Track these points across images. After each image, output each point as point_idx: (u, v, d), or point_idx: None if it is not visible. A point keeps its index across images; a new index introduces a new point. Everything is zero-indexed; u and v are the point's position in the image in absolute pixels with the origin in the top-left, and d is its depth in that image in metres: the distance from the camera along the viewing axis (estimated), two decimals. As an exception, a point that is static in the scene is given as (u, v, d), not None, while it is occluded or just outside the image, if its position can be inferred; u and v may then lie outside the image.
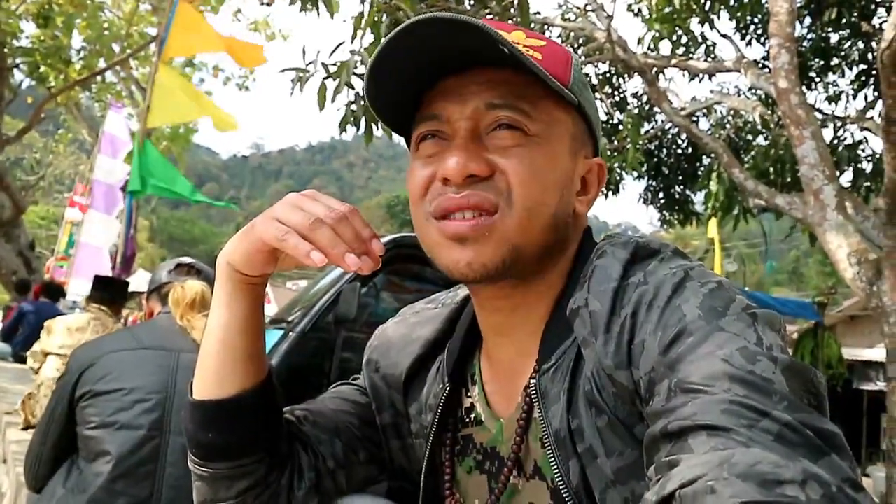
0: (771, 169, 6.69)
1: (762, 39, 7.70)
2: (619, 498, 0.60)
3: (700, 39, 7.61)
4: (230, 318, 0.73)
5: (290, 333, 3.84)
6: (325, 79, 3.48)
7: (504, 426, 0.73)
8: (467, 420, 0.78)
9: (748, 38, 7.89)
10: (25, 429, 3.70)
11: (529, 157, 0.67)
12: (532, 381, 0.68)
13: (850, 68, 7.53)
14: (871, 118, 6.82)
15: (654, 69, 6.59)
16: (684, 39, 7.50)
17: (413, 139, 0.73)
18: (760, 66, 6.91)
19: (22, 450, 2.95)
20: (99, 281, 3.77)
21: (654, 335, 0.57)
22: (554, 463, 0.64)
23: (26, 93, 13.62)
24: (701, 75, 7.62)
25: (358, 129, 3.66)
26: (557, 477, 0.64)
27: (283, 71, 3.52)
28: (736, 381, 0.49)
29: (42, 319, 4.19)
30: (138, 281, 6.34)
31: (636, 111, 8.64)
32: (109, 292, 3.64)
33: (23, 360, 5.26)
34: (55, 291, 7.91)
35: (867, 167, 7.07)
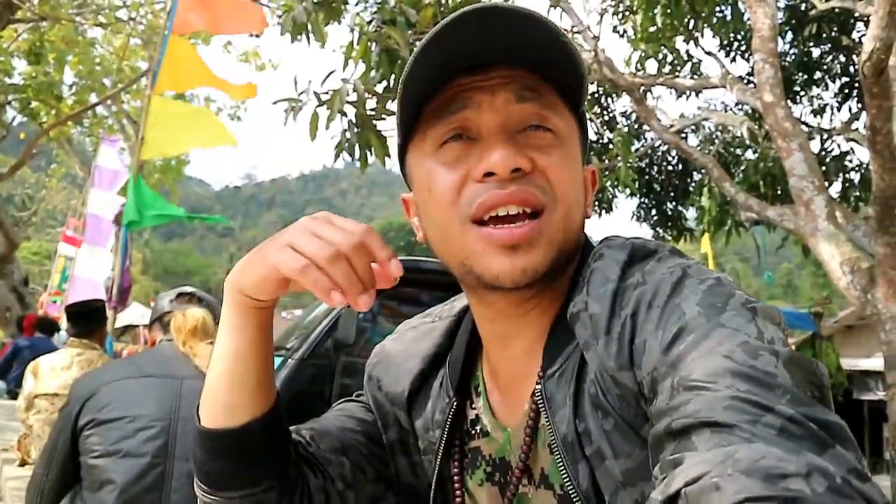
0: (761, 182, 6.77)
1: (746, 55, 7.85)
2: (630, 500, 0.60)
3: (685, 57, 7.75)
4: (240, 343, 0.71)
5: (289, 360, 3.83)
6: (317, 107, 3.52)
7: (511, 435, 0.73)
8: (473, 432, 0.78)
9: (732, 54, 8.03)
10: (21, 465, 3.66)
11: (563, 156, 0.68)
12: (538, 386, 0.67)
13: (833, 81, 7.67)
14: (857, 129, 6.92)
15: (642, 88, 6.68)
16: (670, 58, 7.62)
17: (426, 141, 0.70)
18: (745, 81, 7.02)
19: (20, 486, 2.92)
20: (72, 314, 3.69)
21: (654, 334, 0.57)
22: (563, 468, 0.64)
23: (18, 129, 13.66)
24: (688, 92, 7.74)
25: (353, 157, 3.69)
26: (567, 482, 0.64)
27: (275, 102, 3.56)
28: (738, 377, 0.49)
29: (37, 355, 4.15)
30: (132, 314, 6.31)
31: (626, 130, 8.74)
32: (85, 320, 3.58)
33: (17, 397, 5.21)
34: (50, 326, 7.86)
35: (855, 177, 7.16)
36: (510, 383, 0.74)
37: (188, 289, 2.14)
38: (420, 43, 0.65)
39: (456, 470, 0.78)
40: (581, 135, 0.74)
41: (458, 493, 0.78)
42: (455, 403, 0.76)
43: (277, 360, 3.86)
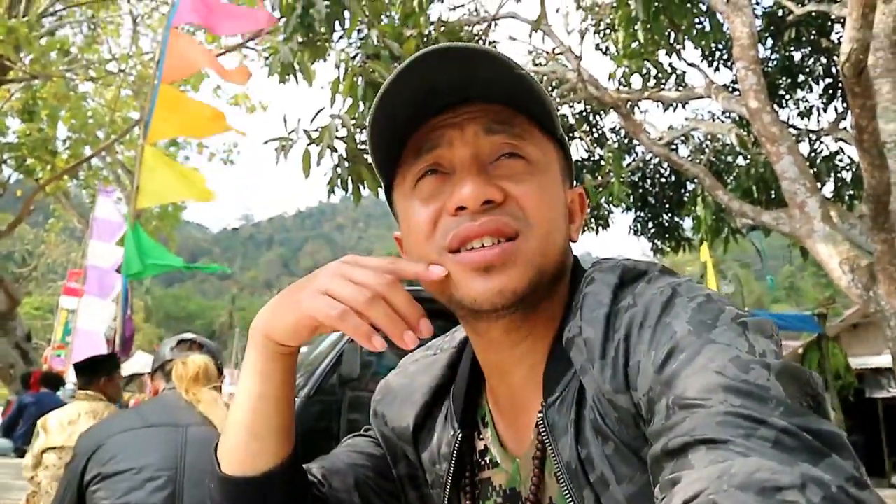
0: (754, 188, 6.79)
1: (729, 64, 7.94)
2: None
3: (669, 70, 7.84)
4: (264, 389, 0.71)
5: (296, 399, 3.81)
6: (308, 145, 3.56)
7: (520, 465, 0.72)
8: (483, 463, 0.77)
9: (715, 64, 8.12)
10: (32, 525, 3.61)
11: (537, 182, 0.68)
12: (540, 415, 0.67)
13: (817, 83, 7.74)
14: (844, 129, 6.97)
15: (629, 103, 6.75)
16: (654, 72, 7.71)
17: (406, 179, 0.72)
18: (730, 89, 7.10)
19: (31, 546, 2.88)
20: (77, 367, 3.69)
21: (647, 355, 0.57)
22: (569, 496, 0.64)
23: (15, 186, 13.75)
24: (674, 104, 7.81)
25: (346, 191, 3.72)
26: None
27: (266, 142, 3.60)
28: (731, 392, 0.50)
29: (43, 410, 4.12)
30: (136, 364, 6.28)
31: (616, 145, 8.80)
32: (88, 372, 3.56)
33: (25, 455, 5.17)
34: (55, 381, 7.82)
35: (847, 176, 7.19)
36: (514, 412, 0.74)
37: (188, 336, 2.14)
38: (383, 86, 0.66)
39: (467, 501, 0.77)
40: (562, 159, 0.74)
41: None
42: (461, 435, 0.76)
43: (284, 400, 3.84)
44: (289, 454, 0.73)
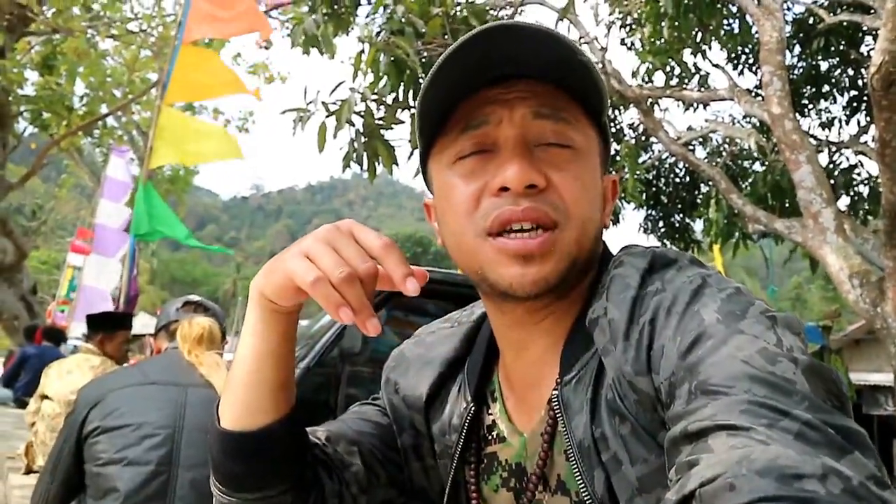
0: (769, 194, 6.74)
1: (754, 68, 7.84)
2: None
3: (693, 70, 7.75)
4: (262, 346, 0.71)
5: (296, 369, 3.83)
6: (326, 117, 3.54)
7: (528, 441, 0.73)
8: (490, 437, 0.78)
9: (740, 67, 8.03)
10: (27, 473, 3.66)
11: (579, 172, 0.69)
12: (555, 392, 0.68)
13: (842, 94, 7.64)
14: (865, 142, 6.89)
15: (649, 100, 6.68)
16: (677, 70, 7.63)
17: (447, 150, 0.71)
18: (753, 94, 7.02)
19: (25, 494, 2.92)
20: (88, 319, 3.75)
21: (673, 340, 0.57)
22: (578, 474, 0.64)
23: (29, 139, 13.79)
24: (695, 105, 7.73)
25: (361, 166, 3.70)
26: (582, 488, 0.64)
27: (284, 112, 3.58)
28: (756, 382, 0.50)
29: (45, 363, 4.17)
30: (138, 324, 6.33)
31: (632, 142, 8.73)
32: (98, 326, 3.62)
33: (25, 406, 5.23)
34: (57, 335, 7.89)
35: (864, 191, 7.12)
36: (525, 389, 0.75)
37: (194, 297, 2.15)
38: (445, 53, 0.66)
39: (472, 474, 0.78)
40: (602, 146, 0.74)
41: (473, 497, 0.78)
42: (473, 408, 0.77)
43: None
44: (288, 412, 0.73)
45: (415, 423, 0.84)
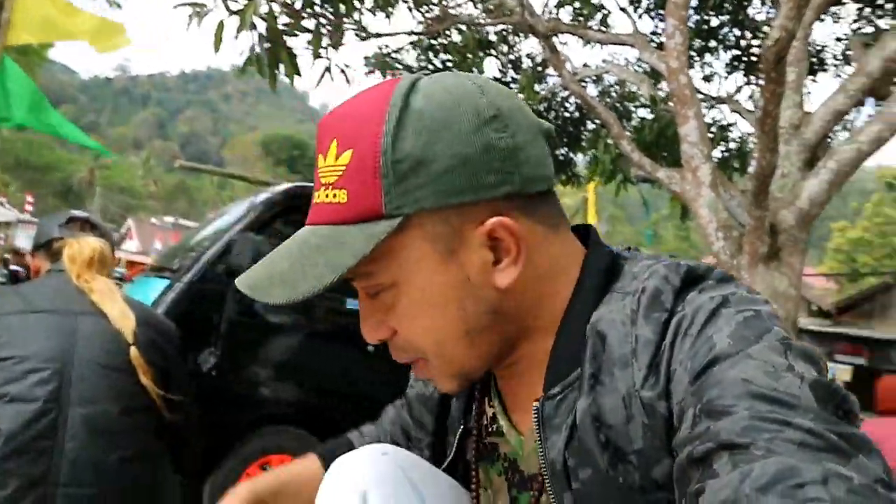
0: (655, 143, 7.09)
1: (652, 14, 8.04)
2: None
3: (596, 6, 7.81)
4: None
5: (177, 283, 3.64)
6: (229, 16, 3.23)
7: (524, 441, 0.73)
8: (491, 429, 0.78)
9: (640, 12, 8.20)
10: None
11: (407, 307, 0.65)
12: (535, 404, 0.66)
13: (726, 52, 8.06)
14: (737, 101, 7.37)
15: (555, 35, 6.69)
16: (577, 5, 7.66)
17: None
18: (649, 41, 7.23)
19: None
20: None
21: (683, 365, 0.56)
22: (552, 492, 0.64)
23: None
24: (593, 44, 7.85)
25: (262, 74, 3.44)
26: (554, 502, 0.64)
27: (177, 6, 3.21)
28: (758, 399, 0.49)
29: None
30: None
31: (530, 72, 8.77)
32: None
33: None
34: None
35: (734, 148, 7.68)
36: (520, 388, 0.74)
37: (80, 213, 1.94)
38: None
39: (473, 458, 0.80)
40: (428, 225, 0.62)
41: (474, 478, 0.80)
42: (477, 395, 0.80)
43: (163, 283, 3.66)
44: None
45: (427, 420, 0.89)
